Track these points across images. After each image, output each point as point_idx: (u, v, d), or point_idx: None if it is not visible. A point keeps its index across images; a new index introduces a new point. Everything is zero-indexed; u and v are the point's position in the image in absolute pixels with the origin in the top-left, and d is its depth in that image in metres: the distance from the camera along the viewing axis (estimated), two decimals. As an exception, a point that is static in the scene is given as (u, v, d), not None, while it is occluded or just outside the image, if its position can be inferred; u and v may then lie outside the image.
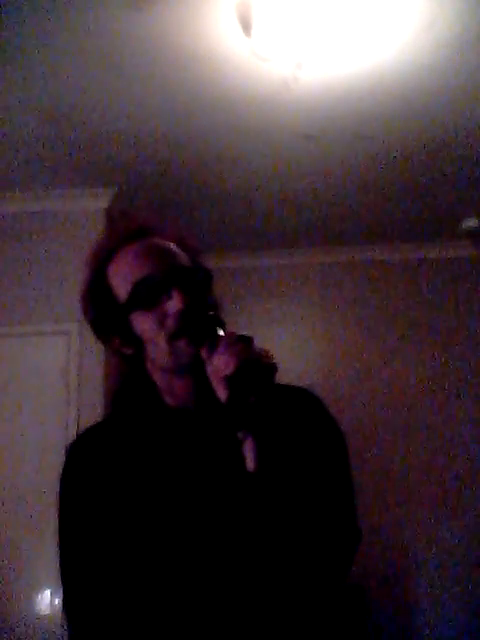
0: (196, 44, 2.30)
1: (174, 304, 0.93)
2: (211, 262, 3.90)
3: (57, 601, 2.89)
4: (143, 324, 0.95)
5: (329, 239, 4.00)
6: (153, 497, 0.92)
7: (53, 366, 3.11)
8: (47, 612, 2.91)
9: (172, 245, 1.00)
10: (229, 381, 0.84)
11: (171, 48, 2.32)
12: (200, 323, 0.91)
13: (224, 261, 4.10)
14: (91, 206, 3.34)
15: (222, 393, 0.85)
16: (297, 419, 0.96)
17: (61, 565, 0.97)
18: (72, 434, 3.04)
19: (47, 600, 2.91)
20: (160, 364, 0.97)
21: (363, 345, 4.02)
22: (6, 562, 2.94)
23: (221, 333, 0.91)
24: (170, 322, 0.93)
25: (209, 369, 0.89)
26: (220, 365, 0.86)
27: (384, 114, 2.74)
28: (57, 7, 2.13)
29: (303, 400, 1.02)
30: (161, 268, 0.95)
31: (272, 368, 0.86)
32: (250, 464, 0.86)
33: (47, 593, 2.92)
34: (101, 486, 0.95)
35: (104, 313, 0.98)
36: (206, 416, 0.95)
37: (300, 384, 1.06)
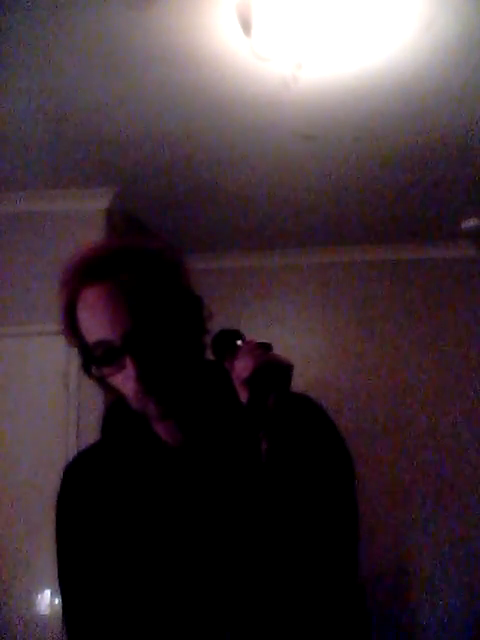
0: (196, 44, 2.30)
1: (128, 372, 0.88)
2: (211, 262, 3.90)
3: (57, 601, 2.89)
4: (109, 377, 0.91)
5: (329, 239, 4.00)
6: (148, 527, 0.93)
7: (53, 366, 3.10)
8: (47, 612, 2.91)
9: (133, 294, 0.89)
10: (248, 383, 0.87)
11: (171, 48, 2.32)
12: (162, 382, 0.88)
13: (224, 261, 4.11)
14: (91, 206, 3.34)
15: (243, 396, 0.88)
16: (302, 429, 0.96)
17: (61, 593, 1.00)
18: (72, 434, 3.05)
19: (47, 600, 2.91)
20: (134, 408, 0.94)
21: (363, 345, 4.02)
22: (6, 562, 2.94)
23: (239, 343, 0.94)
24: (129, 385, 0.89)
25: (233, 376, 0.92)
26: (240, 370, 0.89)
27: (384, 114, 2.74)
28: (57, 7, 2.12)
29: (307, 410, 1.01)
30: (116, 330, 0.87)
31: (288, 369, 0.89)
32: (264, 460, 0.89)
33: (47, 593, 2.92)
34: (97, 515, 0.96)
35: (79, 348, 0.94)
36: (194, 453, 0.95)
37: (302, 385, 1.06)
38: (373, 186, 3.35)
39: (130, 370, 0.87)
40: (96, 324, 0.89)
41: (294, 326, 4.06)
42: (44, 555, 2.89)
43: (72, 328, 0.94)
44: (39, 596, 2.92)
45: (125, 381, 0.89)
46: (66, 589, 0.98)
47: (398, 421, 3.90)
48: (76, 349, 0.95)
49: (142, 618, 0.90)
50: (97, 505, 0.97)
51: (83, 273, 0.92)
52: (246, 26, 2.13)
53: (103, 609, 0.92)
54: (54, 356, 3.09)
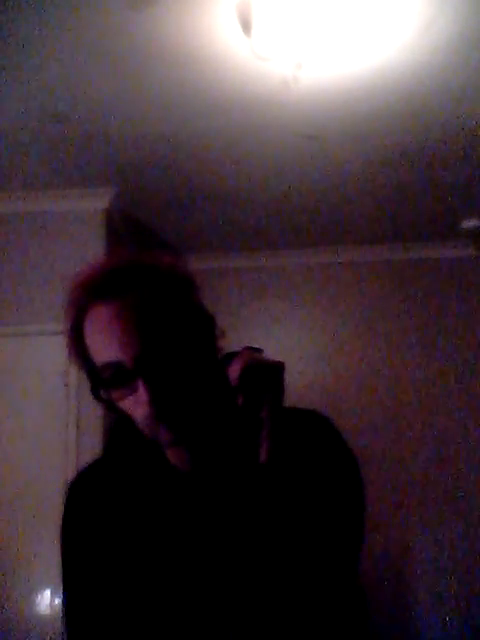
0: (196, 44, 2.30)
1: (140, 396, 0.83)
2: (211, 262, 3.89)
3: (57, 601, 2.89)
4: (119, 400, 0.87)
5: (329, 239, 4.00)
6: (154, 549, 0.92)
7: (53, 366, 3.10)
8: (47, 612, 2.91)
9: (145, 314, 0.85)
10: (239, 384, 0.85)
11: (171, 48, 2.32)
12: (175, 407, 0.84)
13: (224, 261, 4.10)
14: (91, 206, 3.34)
15: (239, 400, 0.86)
16: (312, 449, 0.94)
17: (65, 608, 0.98)
18: (72, 434, 3.05)
19: (47, 600, 2.92)
20: (143, 433, 0.91)
21: (363, 345, 4.02)
22: (6, 562, 2.94)
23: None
24: (140, 410, 0.85)
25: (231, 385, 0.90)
26: (232, 376, 0.87)
27: (384, 114, 2.74)
28: (57, 7, 2.13)
29: (319, 428, 0.98)
30: (126, 352, 0.83)
31: (278, 366, 0.87)
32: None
33: (47, 593, 2.92)
34: (104, 534, 0.95)
35: (86, 371, 0.90)
36: (203, 480, 0.93)
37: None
38: (373, 186, 3.35)
39: (142, 394, 0.83)
40: (105, 345, 0.84)
41: (294, 326, 4.06)
42: (44, 555, 2.89)
43: (79, 348, 0.89)
44: (39, 596, 2.92)
45: (135, 405, 0.85)
46: (71, 605, 0.96)
47: (398, 421, 3.90)
48: (83, 371, 0.91)
49: (147, 637, 0.89)
50: (104, 524, 0.95)
51: (91, 290, 0.87)
52: (246, 26, 2.13)
53: (108, 626, 0.91)
54: (54, 356, 3.08)
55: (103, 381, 0.86)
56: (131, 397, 0.85)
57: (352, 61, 2.39)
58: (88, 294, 0.87)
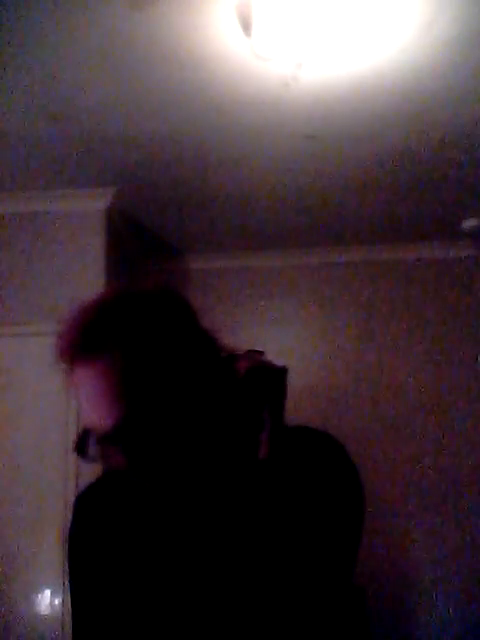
0: (196, 44, 2.30)
1: (116, 461, 0.82)
2: (211, 262, 3.89)
3: (57, 601, 2.89)
4: (102, 460, 0.86)
5: (329, 239, 4.00)
6: (159, 562, 0.92)
7: (53, 366, 3.10)
8: (47, 612, 2.90)
9: (127, 374, 0.78)
10: (242, 383, 0.86)
11: (171, 48, 2.32)
12: (159, 466, 0.82)
13: (224, 261, 4.10)
14: (91, 206, 3.34)
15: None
16: (311, 455, 0.93)
17: (72, 614, 0.98)
18: (72, 434, 3.04)
19: (47, 600, 2.91)
20: None
21: (363, 345, 4.02)
22: (6, 562, 2.94)
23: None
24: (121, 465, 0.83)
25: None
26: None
27: (384, 114, 2.74)
28: (57, 7, 2.13)
29: (318, 438, 0.96)
30: (106, 422, 0.79)
31: (282, 370, 0.88)
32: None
33: (47, 593, 2.92)
34: (112, 546, 0.95)
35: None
36: (200, 493, 0.92)
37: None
38: (373, 186, 3.35)
39: (119, 460, 0.81)
40: (86, 408, 0.82)
41: (294, 326, 4.06)
42: (44, 555, 2.89)
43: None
44: (39, 596, 2.92)
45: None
46: (78, 613, 0.97)
47: (398, 422, 3.90)
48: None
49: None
50: (111, 535, 0.96)
51: (73, 347, 0.82)
52: (246, 26, 2.13)
53: (114, 632, 0.92)
54: (54, 356, 3.08)
55: (84, 446, 0.84)
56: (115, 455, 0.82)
57: (352, 61, 2.40)
58: (70, 351, 0.83)
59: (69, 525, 1.02)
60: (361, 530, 0.92)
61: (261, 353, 0.93)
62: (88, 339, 0.80)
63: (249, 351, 0.93)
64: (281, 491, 0.89)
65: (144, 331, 0.80)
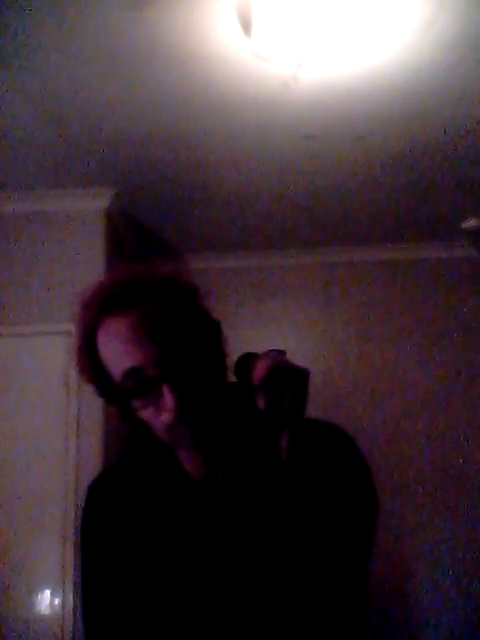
0: (196, 44, 2.30)
1: (166, 402, 0.86)
2: (211, 262, 3.88)
3: (57, 601, 2.89)
4: (139, 410, 0.89)
5: (329, 239, 4.00)
6: (170, 553, 0.93)
7: (53, 366, 3.10)
8: (47, 612, 2.90)
9: (160, 323, 0.88)
10: (264, 384, 0.86)
11: (171, 48, 2.32)
12: (198, 408, 0.87)
13: (224, 261, 4.10)
14: (91, 206, 3.34)
15: (261, 403, 0.86)
16: (330, 455, 0.95)
17: (83, 606, 0.99)
18: (72, 434, 3.05)
19: (47, 600, 2.91)
20: (162, 440, 0.93)
21: (363, 345, 4.02)
22: (6, 562, 2.94)
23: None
24: (162, 417, 0.87)
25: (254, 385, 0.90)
26: (256, 375, 0.88)
27: (384, 114, 2.74)
28: (57, 7, 2.13)
29: (337, 437, 0.99)
30: (148, 358, 0.86)
31: (304, 372, 0.89)
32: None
33: (47, 593, 2.92)
34: (123, 535, 0.96)
35: (100, 384, 0.92)
36: (217, 489, 0.95)
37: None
38: (373, 186, 3.35)
39: (168, 400, 0.85)
40: (126, 353, 0.86)
41: (294, 326, 4.06)
42: (44, 555, 2.89)
43: (91, 361, 0.91)
44: (39, 596, 2.92)
45: (156, 412, 0.87)
46: (89, 604, 0.98)
47: (398, 421, 3.90)
48: (91, 384, 0.93)
49: (164, 637, 0.90)
50: (122, 526, 0.97)
51: (103, 305, 0.89)
52: (246, 26, 2.13)
53: (126, 626, 0.92)
54: (54, 356, 3.09)
55: (126, 392, 0.88)
56: (151, 404, 0.87)
57: (352, 61, 2.39)
58: (100, 309, 0.89)
59: (81, 513, 1.02)
60: (376, 522, 0.95)
61: (283, 352, 0.92)
62: (119, 295, 0.88)
63: (271, 350, 0.92)
64: (301, 487, 0.90)
65: (166, 290, 0.91)
